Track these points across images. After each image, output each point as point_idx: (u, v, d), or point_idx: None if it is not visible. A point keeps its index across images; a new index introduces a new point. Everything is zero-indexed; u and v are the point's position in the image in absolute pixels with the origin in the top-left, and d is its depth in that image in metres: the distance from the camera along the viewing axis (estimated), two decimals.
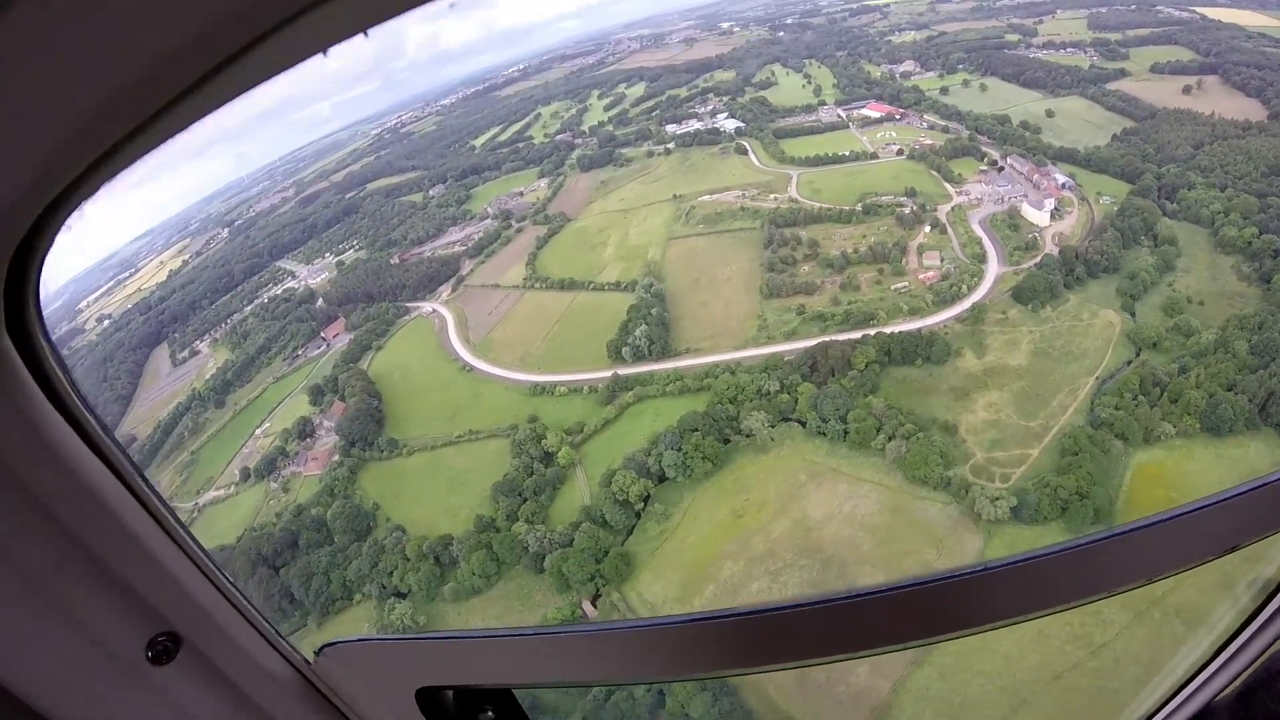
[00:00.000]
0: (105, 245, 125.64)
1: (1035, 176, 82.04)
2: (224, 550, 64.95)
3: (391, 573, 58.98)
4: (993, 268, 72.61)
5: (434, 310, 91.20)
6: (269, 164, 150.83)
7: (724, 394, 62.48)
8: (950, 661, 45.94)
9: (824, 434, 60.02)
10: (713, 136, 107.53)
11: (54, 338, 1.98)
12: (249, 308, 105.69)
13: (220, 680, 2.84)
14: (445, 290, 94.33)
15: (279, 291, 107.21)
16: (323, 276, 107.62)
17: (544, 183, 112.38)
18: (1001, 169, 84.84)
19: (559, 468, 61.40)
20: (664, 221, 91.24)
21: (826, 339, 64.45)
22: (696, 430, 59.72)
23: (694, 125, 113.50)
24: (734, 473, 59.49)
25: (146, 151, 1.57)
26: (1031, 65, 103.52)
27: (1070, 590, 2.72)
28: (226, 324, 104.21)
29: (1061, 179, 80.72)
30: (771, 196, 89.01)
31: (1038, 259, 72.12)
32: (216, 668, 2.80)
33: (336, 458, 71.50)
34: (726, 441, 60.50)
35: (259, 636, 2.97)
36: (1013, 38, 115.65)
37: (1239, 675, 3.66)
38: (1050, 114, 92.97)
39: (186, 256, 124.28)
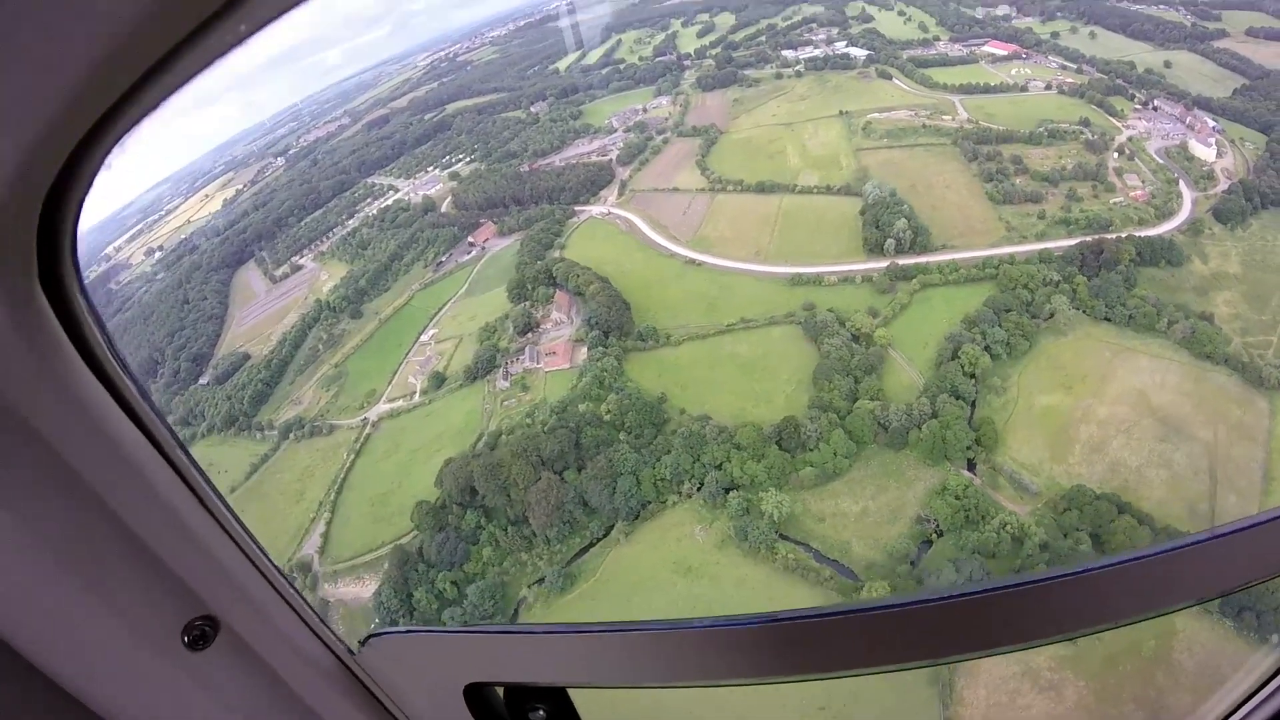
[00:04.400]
0: (117, 198, 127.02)
1: (1188, 118, 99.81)
2: (478, 457, 65.25)
3: (720, 465, 60.34)
4: (1187, 192, 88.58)
5: (608, 213, 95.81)
6: (290, 106, 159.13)
7: (1017, 280, 73.25)
8: None
9: (1109, 319, 72.41)
10: (844, 62, 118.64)
11: (87, 281, 2.14)
12: (352, 221, 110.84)
13: (258, 667, 3.01)
14: (609, 195, 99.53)
15: (388, 203, 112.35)
16: (436, 188, 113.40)
17: (664, 100, 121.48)
18: (1156, 109, 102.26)
19: (878, 348, 69.19)
20: (839, 135, 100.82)
21: (1098, 237, 77.09)
22: (1010, 310, 70.22)
23: (812, 52, 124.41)
24: (1044, 352, 70.00)
25: (181, 84, 1.68)
26: (1138, 18, 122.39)
27: (1127, 607, 2.89)
28: (329, 238, 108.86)
29: (1211, 122, 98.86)
30: (945, 117, 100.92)
31: (1221, 187, 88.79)
32: (255, 654, 2.97)
33: (586, 350, 74.23)
34: None
35: (301, 623, 3.14)
36: None
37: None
38: (1168, 65, 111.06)
39: (239, 186, 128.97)
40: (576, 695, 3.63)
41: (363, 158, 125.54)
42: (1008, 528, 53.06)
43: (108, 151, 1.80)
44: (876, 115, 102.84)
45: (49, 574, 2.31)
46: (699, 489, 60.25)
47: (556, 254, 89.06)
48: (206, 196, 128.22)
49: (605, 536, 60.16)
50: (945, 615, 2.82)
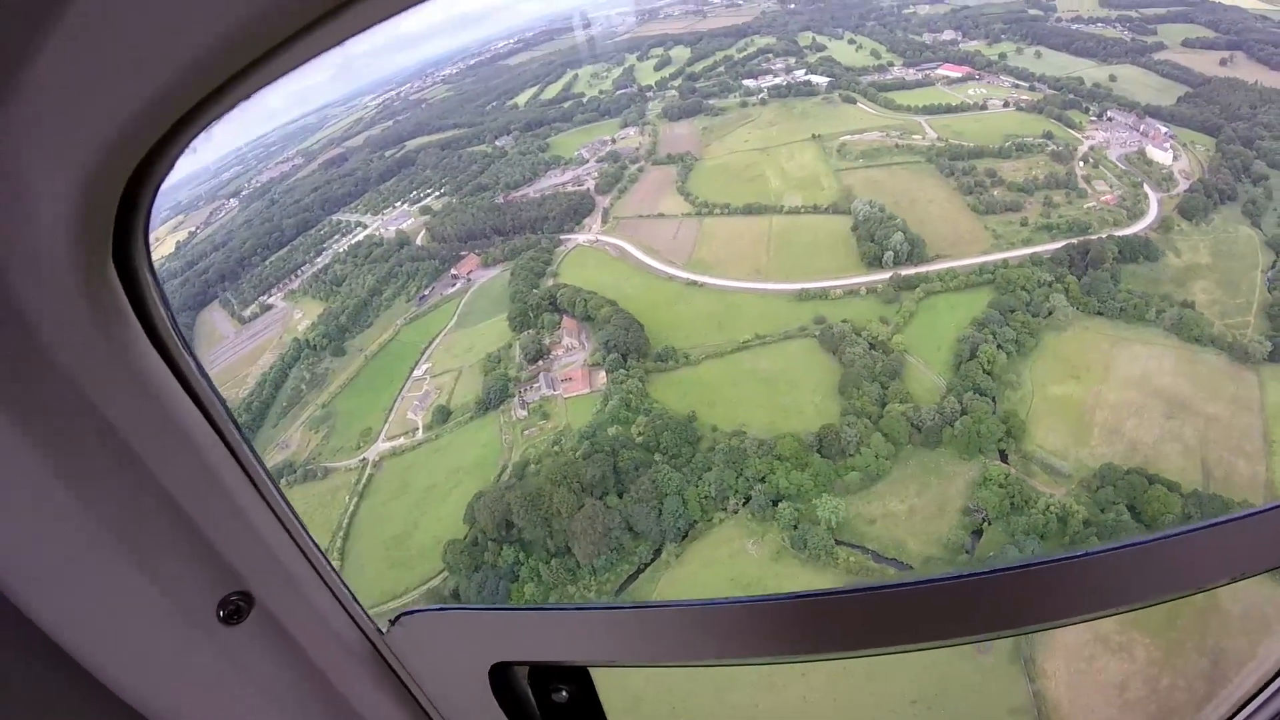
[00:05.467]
0: None
1: (1141, 126, 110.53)
2: (511, 488, 65.78)
3: (764, 478, 63.01)
4: (1152, 193, 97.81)
5: (596, 240, 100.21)
6: (234, 150, 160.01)
7: (1016, 283, 79.80)
8: None
9: (1102, 313, 79.44)
10: (807, 88, 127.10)
11: None
12: (321, 258, 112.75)
13: (290, 645, 3.15)
14: (593, 223, 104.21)
15: (359, 239, 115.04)
16: (408, 222, 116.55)
17: (632, 130, 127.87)
18: (1111, 119, 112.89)
19: (897, 354, 73.94)
20: (815, 157, 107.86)
21: (1083, 239, 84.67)
22: (1014, 310, 76.52)
23: (774, 80, 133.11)
24: (1048, 347, 75.95)
25: (261, 87, 1.85)
26: (1079, 37, 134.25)
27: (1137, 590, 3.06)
28: (298, 275, 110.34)
29: (1164, 129, 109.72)
30: (915, 136, 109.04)
31: (1182, 187, 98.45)
32: (287, 632, 3.11)
33: (605, 373, 76.78)
34: None
35: (335, 602, 3.30)
36: (1035, 12, 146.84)
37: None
38: (1113, 78, 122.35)
39: (192, 228, 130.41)
40: (604, 691, 3.83)
41: (325, 195, 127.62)
42: (1051, 509, 57.57)
43: (195, 136, 1.99)
44: (849, 137, 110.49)
45: (89, 540, 2.44)
46: (745, 503, 62.46)
47: (551, 282, 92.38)
48: (157, 239, 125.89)
49: (655, 560, 61.46)
50: (959, 593, 3.07)
